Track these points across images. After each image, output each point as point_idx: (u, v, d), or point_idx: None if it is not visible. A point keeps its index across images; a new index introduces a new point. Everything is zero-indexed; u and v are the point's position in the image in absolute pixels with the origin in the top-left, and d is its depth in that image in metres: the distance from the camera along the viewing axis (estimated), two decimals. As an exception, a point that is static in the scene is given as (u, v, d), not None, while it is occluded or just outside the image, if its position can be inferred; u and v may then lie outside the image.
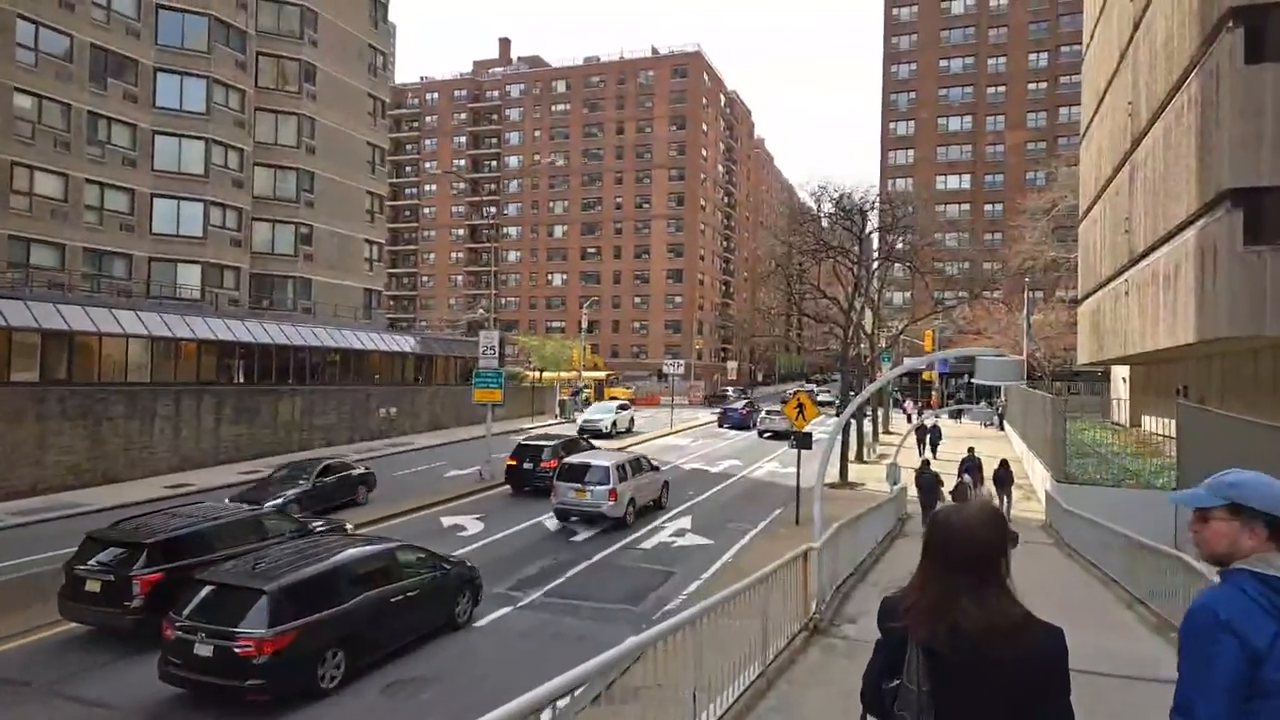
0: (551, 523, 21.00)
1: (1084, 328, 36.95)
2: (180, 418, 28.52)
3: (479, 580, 13.57)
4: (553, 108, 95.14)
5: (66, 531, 19.71)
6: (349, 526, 17.95)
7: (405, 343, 43.93)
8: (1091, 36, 35.88)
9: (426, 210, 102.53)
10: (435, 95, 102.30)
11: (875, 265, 32.00)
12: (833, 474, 28.12)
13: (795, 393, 21.87)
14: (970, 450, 23.11)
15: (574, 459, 21.59)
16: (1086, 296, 35.98)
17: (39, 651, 11.72)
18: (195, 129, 35.07)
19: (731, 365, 69.84)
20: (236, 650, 9.23)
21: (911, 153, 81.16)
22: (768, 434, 41.74)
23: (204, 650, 9.37)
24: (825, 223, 31.20)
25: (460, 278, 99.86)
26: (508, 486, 25.56)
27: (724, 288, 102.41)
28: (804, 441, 21.59)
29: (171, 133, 34.62)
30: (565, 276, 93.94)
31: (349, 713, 9.88)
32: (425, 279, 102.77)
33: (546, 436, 27.20)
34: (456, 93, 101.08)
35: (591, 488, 20.14)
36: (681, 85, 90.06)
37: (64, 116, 30.73)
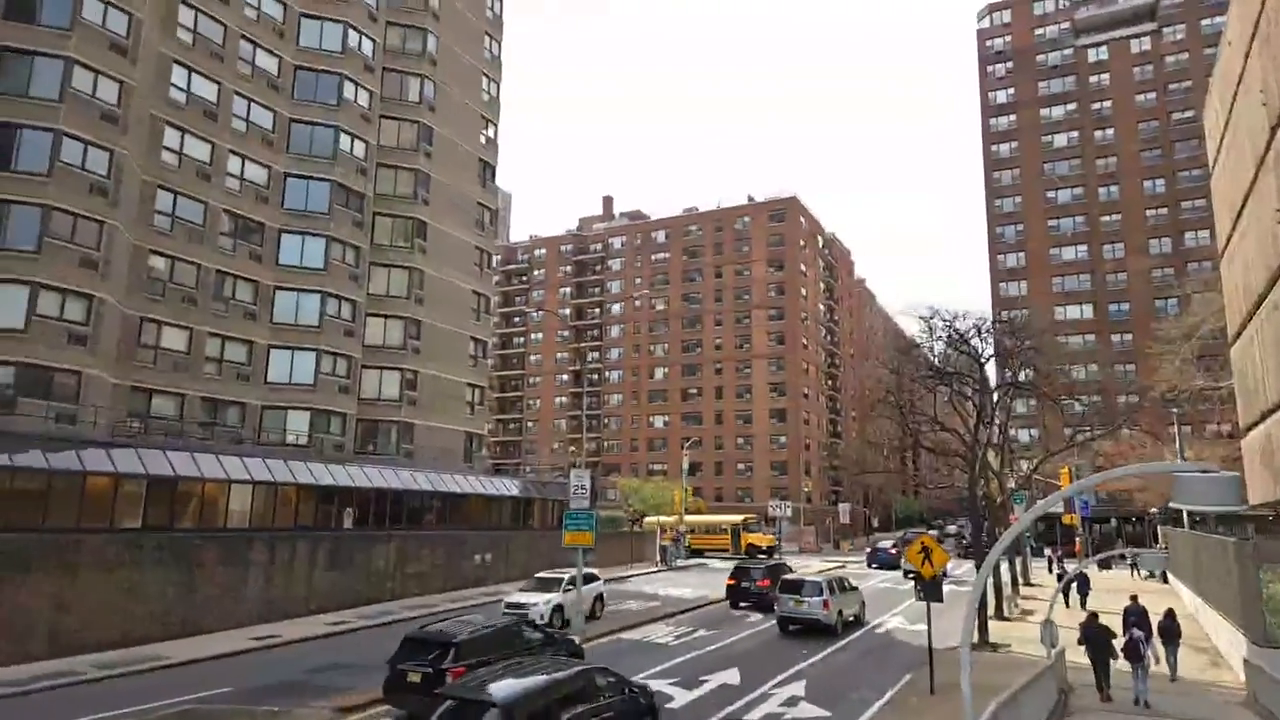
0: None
1: (1251, 462, 32.32)
2: (274, 565, 28.12)
3: (658, 708, 14.42)
4: (653, 256, 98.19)
5: (148, 687, 18.88)
6: (576, 639, 20.01)
7: (503, 486, 43.25)
8: (1219, 150, 33.64)
9: (533, 358, 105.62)
10: (543, 251, 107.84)
11: (996, 396, 29.32)
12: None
13: (919, 535, 19.25)
14: (1133, 599, 19.81)
15: (791, 576, 26.96)
16: (1251, 427, 31.68)
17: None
18: (313, 283, 37.03)
19: (844, 507, 65.35)
20: None
21: (1024, 284, 78.24)
22: (911, 574, 39.59)
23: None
24: (938, 348, 29.03)
25: (563, 422, 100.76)
26: (602, 639, 24.16)
27: (831, 427, 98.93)
28: (933, 592, 18.72)
29: (291, 288, 36.65)
30: (667, 419, 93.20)
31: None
32: (530, 424, 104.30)
33: (755, 560, 35.29)
34: (562, 247, 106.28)
35: (808, 599, 25.10)
36: (779, 229, 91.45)
37: (194, 275, 33.03)
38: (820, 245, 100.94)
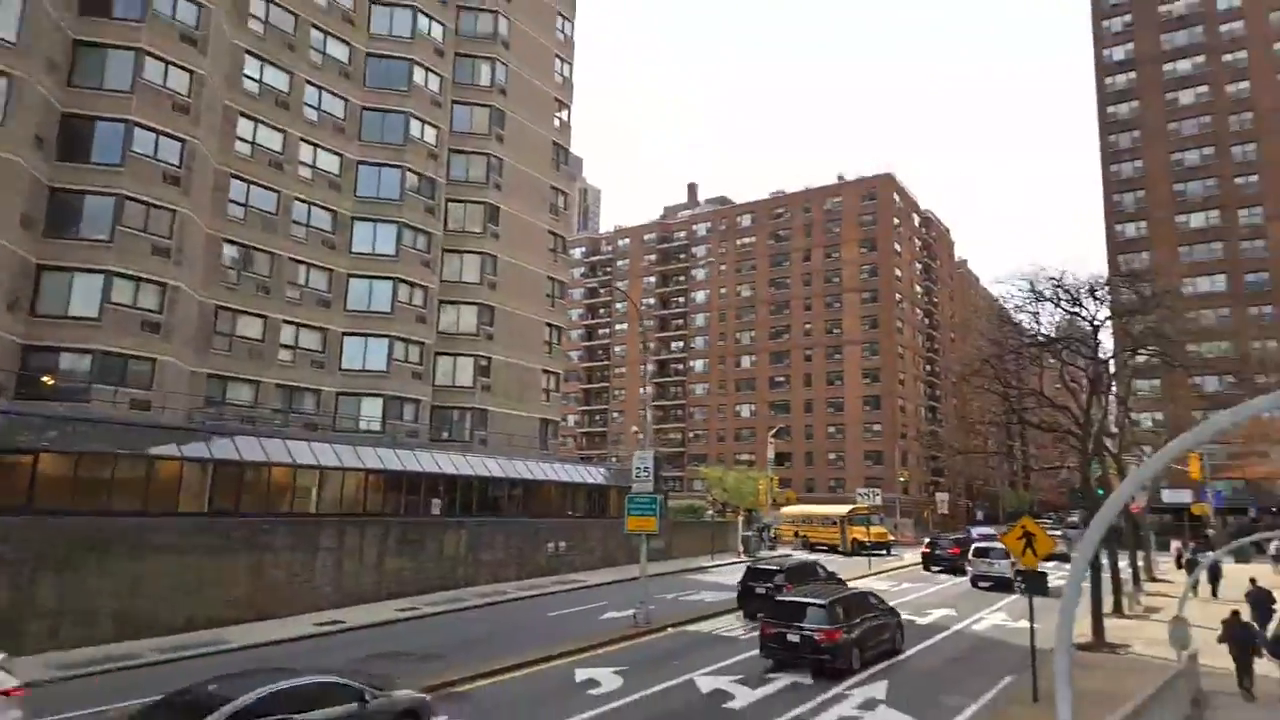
0: (705, 682, 17.04)
1: None
2: (343, 550, 27.89)
3: (904, 626, 21.22)
4: (738, 241, 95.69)
5: (197, 671, 18.57)
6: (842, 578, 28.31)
7: (580, 473, 42.34)
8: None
9: (617, 348, 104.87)
10: (626, 241, 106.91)
11: (1114, 366, 26.03)
12: (1084, 628, 21.77)
13: (1020, 521, 16.87)
14: (1252, 581, 21.91)
15: (980, 544, 35.09)
16: None
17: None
18: (385, 270, 37.01)
19: (942, 497, 61.40)
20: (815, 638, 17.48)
21: (1147, 255, 71.65)
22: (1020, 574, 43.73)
23: (793, 638, 17.81)
24: (1045, 316, 25.94)
25: (649, 412, 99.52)
26: (667, 631, 22.82)
27: (930, 415, 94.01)
28: (1036, 585, 16.35)
29: (364, 275, 36.72)
30: (754, 407, 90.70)
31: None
32: (615, 415, 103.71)
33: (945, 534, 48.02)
34: (646, 236, 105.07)
35: (995, 561, 32.34)
36: (871, 208, 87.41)
37: (268, 263, 33.38)
38: (916, 224, 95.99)
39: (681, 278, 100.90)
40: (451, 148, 41.40)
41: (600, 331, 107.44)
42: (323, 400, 34.91)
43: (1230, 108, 69.86)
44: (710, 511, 58.77)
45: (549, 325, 45.22)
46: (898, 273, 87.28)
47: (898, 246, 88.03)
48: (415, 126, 38.94)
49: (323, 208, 35.87)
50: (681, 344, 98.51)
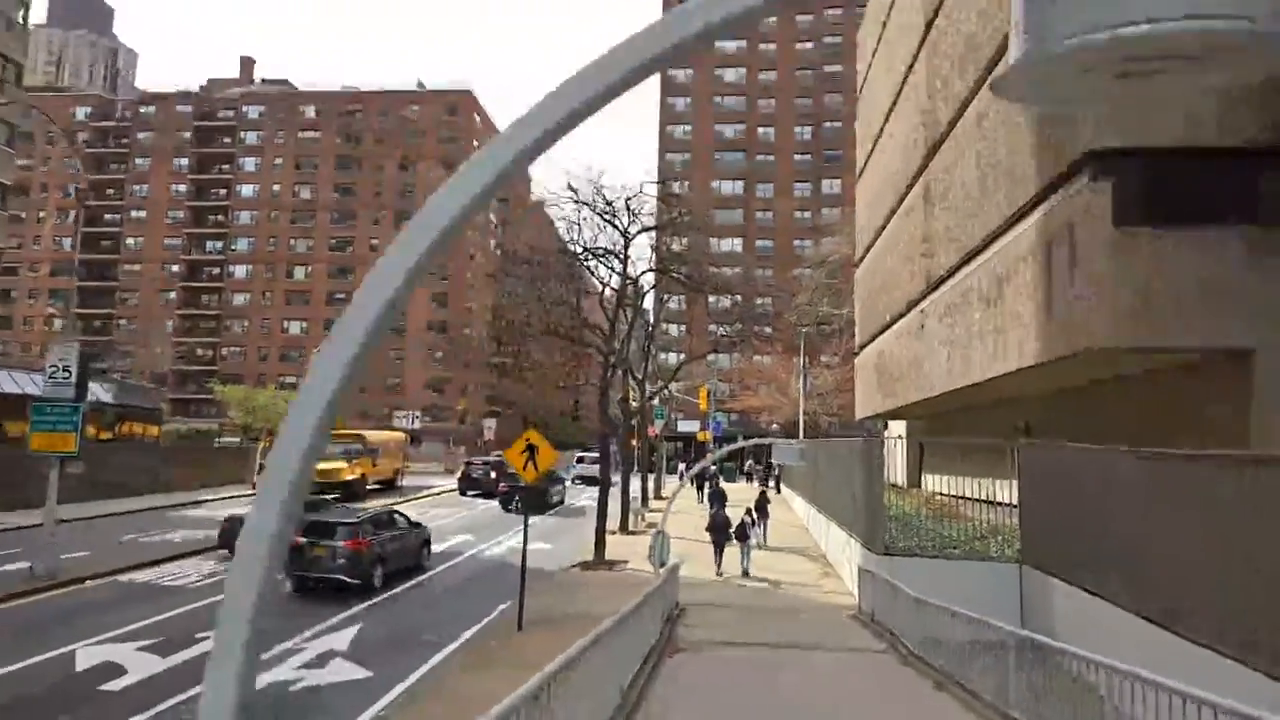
0: (91, 654, 12.11)
1: (865, 378, 33.76)
2: None
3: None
4: (300, 134, 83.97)
5: None
6: None
7: (27, 384, 31.70)
8: (869, 67, 33.89)
9: (131, 241, 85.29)
10: (152, 108, 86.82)
11: (644, 284, 26.40)
12: (590, 547, 21.43)
13: (525, 433, 14.85)
14: (714, 481, 26.74)
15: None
16: (866, 344, 32.89)
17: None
18: None
19: (489, 424, 61.95)
20: None
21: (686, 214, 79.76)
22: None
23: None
24: (589, 231, 25.14)
25: (172, 322, 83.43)
26: (87, 584, 17.33)
27: (496, 346, 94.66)
28: (536, 503, 14.67)
29: None
30: (306, 324, 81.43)
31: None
32: (123, 321, 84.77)
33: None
34: (180, 108, 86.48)
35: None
36: (451, 123, 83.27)
37: None
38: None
39: (225, 165, 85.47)
40: None
41: (107, 217, 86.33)
42: None
43: (760, 92, 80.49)
44: (237, 439, 50.41)
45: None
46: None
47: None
48: None
49: None
50: (221, 244, 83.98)
